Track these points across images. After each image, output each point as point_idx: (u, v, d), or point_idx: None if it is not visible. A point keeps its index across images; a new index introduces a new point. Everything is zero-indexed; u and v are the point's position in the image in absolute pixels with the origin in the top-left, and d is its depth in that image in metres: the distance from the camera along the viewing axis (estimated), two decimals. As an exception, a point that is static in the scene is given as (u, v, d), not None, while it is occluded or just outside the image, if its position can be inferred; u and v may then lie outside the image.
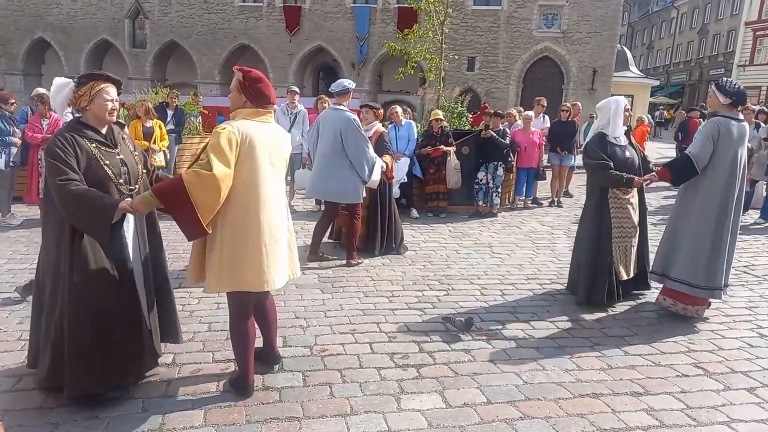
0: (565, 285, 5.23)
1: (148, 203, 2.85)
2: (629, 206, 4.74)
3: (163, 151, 8.32)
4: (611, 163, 4.62)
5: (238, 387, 3.14)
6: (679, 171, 4.52)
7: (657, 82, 32.83)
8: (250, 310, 3.14)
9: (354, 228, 5.83)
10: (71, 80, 3.06)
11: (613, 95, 22.90)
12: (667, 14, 47.18)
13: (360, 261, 5.87)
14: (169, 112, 9.57)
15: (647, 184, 4.74)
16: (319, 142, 5.73)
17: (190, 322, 4.13)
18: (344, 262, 5.83)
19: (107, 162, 2.91)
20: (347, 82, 5.79)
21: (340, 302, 4.70)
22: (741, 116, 4.49)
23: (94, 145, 2.91)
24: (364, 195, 5.82)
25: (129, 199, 2.91)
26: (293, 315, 4.34)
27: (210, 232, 2.85)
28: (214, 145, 2.78)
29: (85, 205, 2.77)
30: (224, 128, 2.86)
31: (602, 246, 4.67)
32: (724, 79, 4.62)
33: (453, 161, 8.36)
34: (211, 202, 2.77)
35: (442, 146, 8.37)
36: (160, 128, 8.39)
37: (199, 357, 3.58)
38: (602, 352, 3.86)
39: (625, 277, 4.75)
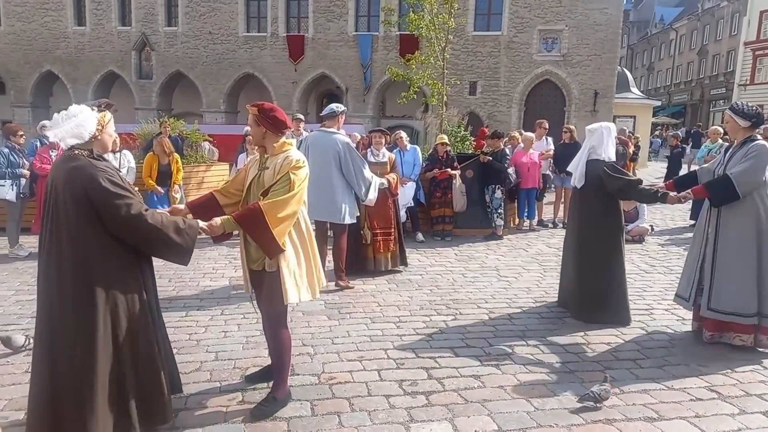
0: (562, 306, 5.28)
1: (228, 226, 3.05)
2: None
3: (178, 185, 8.10)
4: (641, 179, 4.78)
5: (284, 395, 3.32)
6: (720, 193, 4.34)
7: (659, 103, 33.01)
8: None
9: (342, 249, 5.90)
10: (91, 108, 2.81)
11: (615, 117, 22.90)
12: (666, 36, 47.70)
13: (350, 285, 5.86)
14: None
15: (682, 202, 4.69)
16: (314, 164, 5.57)
17: (197, 351, 4.11)
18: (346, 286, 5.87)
19: (136, 190, 2.91)
20: (335, 106, 5.90)
21: (348, 329, 4.68)
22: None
23: (119, 174, 2.86)
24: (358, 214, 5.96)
25: (198, 220, 3.00)
26: (300, 342, 4.31)
27: (285, 249, 3.12)
28: (300, 174, 3.15)
29: (173, 228, 2.74)
30: (303, 162, 3.22)
31: (621, 264, 4.94)
32: (739, 102, 4.54)
33: (458, 184, 8.41)
34: (285, 224, 3.08)
35: (448, 169, 8.44)
36: (177, 162, 8.10)
37: (207, 387, 3.55)
38: (613, 376, 3.80)
39: None
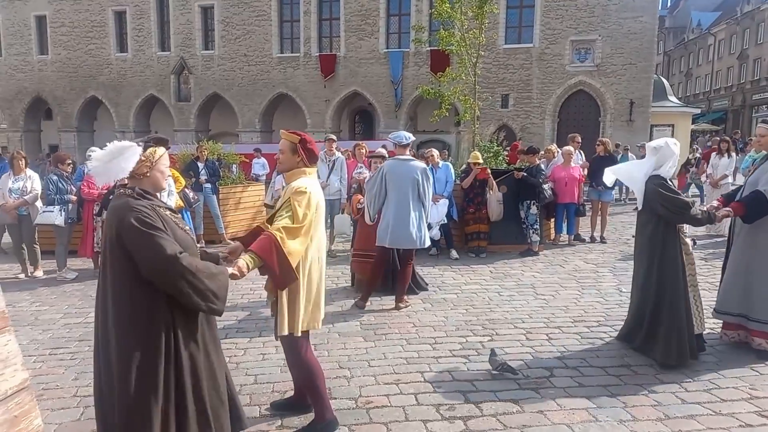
0: (617, 334, 4.91)
1: (254, 263, 2.87)
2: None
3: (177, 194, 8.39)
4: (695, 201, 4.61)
5: (323, 427, 3.26)
6: (755, 210, 4.36)
7: (698, 110, 32.12)
8: (310, 345, 3.39)
9: (408, 273, 6.02)
10: (135, 144, 2.64)
11: (652, 126, 22.16)
12: (703, 41, 46.54)
13: (408, 303, 5.98)
14: (200, 165, 9.70)
15: (729, 216, 4.62)
16: (393, 192, 5.79)
17: (237, 374, 4.17)
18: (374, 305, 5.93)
19: (185, 229, 2.71)
20: (409, 135, 6.08)
21: (384, 350, 4.68)
22: None
23: (168, 213, 2.65)
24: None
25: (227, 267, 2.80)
26: (337, 365, 4.34)
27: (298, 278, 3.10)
28: (302, 201, 3.08)
29: (207, 275, 2.53)
30: (306, 188, 3.15)
31: (682, 296, 4.33)
32: None
33: (495, 194, 8.39)
34: (297, 251, 3.06)
35: (487, 168, 8.63)
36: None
37: (247, 411, 3.57)
38: (657, 401, 3.70)
39: (698, 330, 4.44)
